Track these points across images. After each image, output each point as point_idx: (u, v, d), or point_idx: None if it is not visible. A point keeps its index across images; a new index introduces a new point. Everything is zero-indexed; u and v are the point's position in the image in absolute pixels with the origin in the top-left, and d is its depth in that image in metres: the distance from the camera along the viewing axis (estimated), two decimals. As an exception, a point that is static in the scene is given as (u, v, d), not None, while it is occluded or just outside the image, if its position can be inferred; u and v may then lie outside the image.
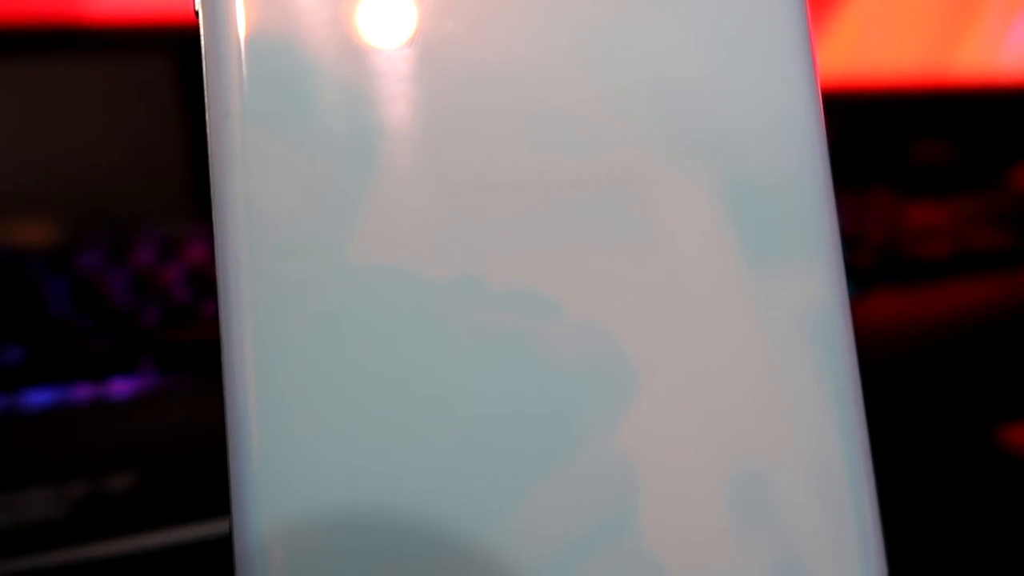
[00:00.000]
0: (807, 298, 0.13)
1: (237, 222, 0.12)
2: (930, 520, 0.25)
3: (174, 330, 0.27)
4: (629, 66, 0.13)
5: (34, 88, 0.42)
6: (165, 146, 0.44)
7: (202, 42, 0.12)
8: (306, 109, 0.12)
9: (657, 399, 0.13)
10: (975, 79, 0.61)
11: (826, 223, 0.14)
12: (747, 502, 0.13)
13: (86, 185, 0.42)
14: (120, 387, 0.25)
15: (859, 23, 0.59)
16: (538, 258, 0.13)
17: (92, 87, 0.43)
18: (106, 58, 0.43)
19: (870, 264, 0.37)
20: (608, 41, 0.13)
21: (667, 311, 0.13)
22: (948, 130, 0.62)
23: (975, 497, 0.26)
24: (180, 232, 0.35)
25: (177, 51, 0.44)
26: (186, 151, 0.45)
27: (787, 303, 0.13)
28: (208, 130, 0.12)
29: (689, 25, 0.14)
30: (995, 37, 0.61)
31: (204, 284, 0.30)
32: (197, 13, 0.13)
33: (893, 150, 0.60)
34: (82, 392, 0.25)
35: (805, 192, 0.14)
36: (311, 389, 0.12)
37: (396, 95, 0.13)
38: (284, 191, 0.12)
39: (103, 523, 0.21)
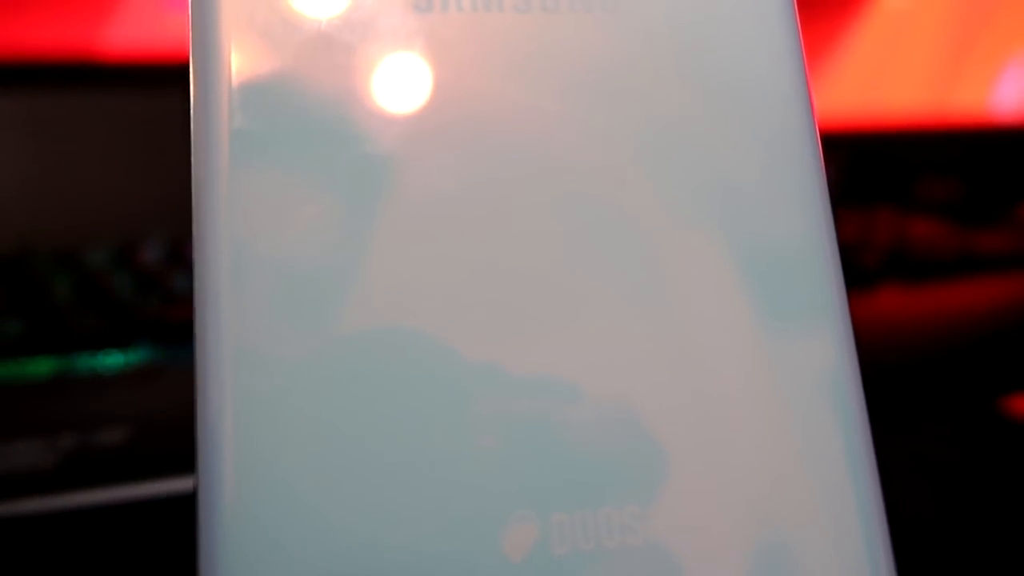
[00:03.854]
0: (824, 361, 0.13)
1: (219, 269, 0.12)
2: (937, 491, 0.24)
3: (170, 310, 0.28)
4: (637, 136, 0.13)
5: (50, 120, 0.44)
6: (175, 176, 0.45)
7: (191, 90, 0.12)
8: (294, 157, 0.12)
9: (685, 480, 0.12)
10: (978, 118, 0.62)
11: (834, 283, 0.14)
12: (771, 573, 0.12)
13: (97, 209, 0.43)
14: (115, 359, 0.25)
15: (860, 66, 0.60)
16: (554, 337, 0.12)
17: (106, 121, 0.45)
18: (121, 93, 0.45)
19: (876, 263, 0.37)
20: (618, 109, 0.13)
21: (689, 383, 0.13)
22: (954, 168, 0.62)
23: (982, 466, 0.26)
24: (185, 240, 0.36)
25: (187, 87, 0.46)
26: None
27: (806, 367, 0.13)
28: (193, 175, 0.12)
29: (698, 89, 0.14)
30: (990, 79, 0.62)
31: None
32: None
33: (899, 188, 0.61)
34: (79, 362, 0.25)
35: (813, 253, 0.14)
36: (290, 449, 0.11)
37: (398, 148, 0.12)
38: (270, 242, 0.12)
39: (92, 474, 0.21)
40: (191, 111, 0.12)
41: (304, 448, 0.11)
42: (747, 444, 0.13)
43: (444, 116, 0.13)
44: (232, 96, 0.12)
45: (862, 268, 0.37)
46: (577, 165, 0.13)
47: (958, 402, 0.29)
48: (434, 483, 0.11)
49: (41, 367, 0.25)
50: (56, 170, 0.44)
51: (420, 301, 0.12)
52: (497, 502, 0.12)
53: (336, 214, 0.12)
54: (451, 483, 0.12)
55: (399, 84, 0.13)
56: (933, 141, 0.62)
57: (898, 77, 0.61)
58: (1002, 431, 0.27)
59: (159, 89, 0.46)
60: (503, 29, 0.13)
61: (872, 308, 0.35)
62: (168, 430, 0.22)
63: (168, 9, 0.45)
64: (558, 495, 0.12)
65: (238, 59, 0.12)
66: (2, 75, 0.42)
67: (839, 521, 0.13)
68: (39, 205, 0.43)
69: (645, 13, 0.14)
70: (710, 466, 0.12)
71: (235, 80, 0.12)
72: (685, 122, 0.13)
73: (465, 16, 0.13)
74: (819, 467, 0.13)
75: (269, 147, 0.12)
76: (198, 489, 0.11)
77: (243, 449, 0.11)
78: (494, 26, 0.13)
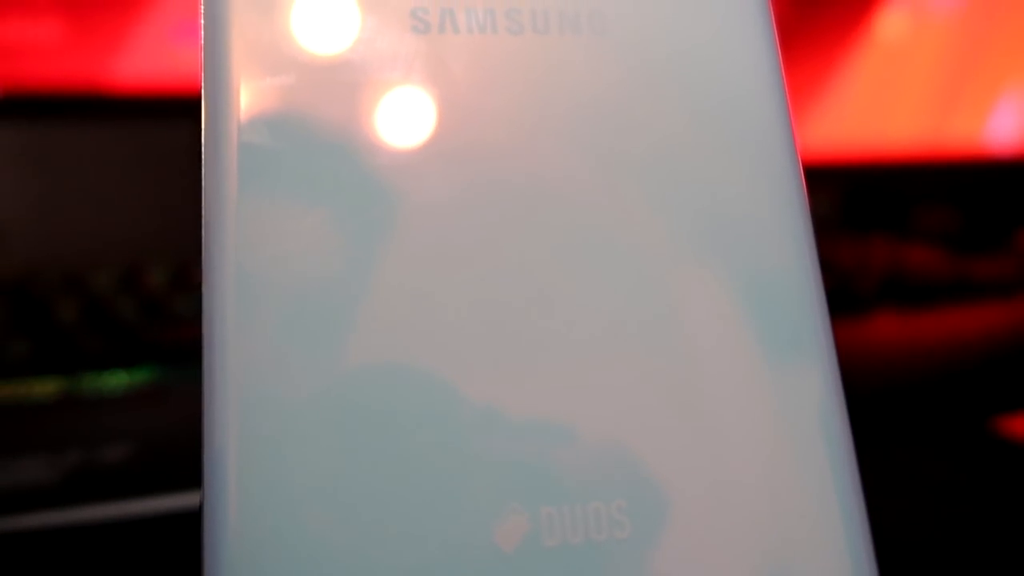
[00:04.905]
0: (812, 391, 0.13)
1: (227, 299, 0.12)
2: (929, 509, 0.24)
3: (174, 331, 0.28)
4: (623, 166, 0.14)
5: (59, 150, 0.45)
6: (181, 203, 0.46)
7: (202, 119, 0.12)
8: (300, 187, 0.12)
9: (687, 521, 0.12)
10: (973, 150, 0.63)
11: (820, 314, 0.14)
12: None
13: (105, 237, 0.43)
14: (119, 380, 0.26)
15: (857, 98, 0.61)
16: (549, 378, 0.12)
17: (114, 150, 0.46)
18: (129, 124, 0.46)
19: (871, 289, 0.37)
20: (606, 135, 0.14)
21: (687, 417, 0.13)
22: (950, 198, 0.63)
23: (975, 486, 0.26)
24: (190, 266, 0.36)
25: (197, 118, 0.47)
26: (200, 207, 0.46)
27: (795, 398, 0.13)
28: (203, 207, 0.12)
29: (683, 116, 0.14)
30: (985, 111, 0.63)
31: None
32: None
33: (896, 217, 0.61)
34: (84, 382, 0.25)
35: (799, 284, 0.14)
36: (293, 480, 0.11)
37: (400, 177, 0.13)
38: (277, 274, 0.12)
39: (95, 490, 0.21)
40: (202, 140, 0.12)
41: (305, 475, 0.11)
42: (748, 478, 0.13)
43: (444, 142, 0.13)
44: (240, 126, 0.12)
45: (857, 294, 0.37)
46: (571, 196, 0.13)
47: (951, 423, 0.29)
48: (427, 508, 0.12)
49: (47, 387, 0.25)
50: (64, 197, 0.44)
51: (420, 336, 0.12)
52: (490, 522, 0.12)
53: (339, 244, 0.12)
54: (445, 512, 0.12)
55: (400, 110, 0.13)
56: (929, 172, 0.62)
57: (894, 109, 0.62)
58: (995, 451, 0.27)
59: (166, 120, 0.46)
60: (498, 51, 0.13)
61: (867, 333, 0.35)
62: (171, 448, 0.23)
63: (175, 42, 0.46)
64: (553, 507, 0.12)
65: (246, 89, 0.12)
66: (11, 106, 0.42)
67: (827, 544, 0.13)
68: (47, 231, 0.43)
69: (633, 38, 0.14)
70: (706, 500, 0.13)
71: (243, 111, 0.12)
72: (671, 150, 0.14)
73: (461, 38, 0.13)
74: (814, 496, 0.13)
75: (276, 177, 0.12)
76: (203, 508, 0.11)
77: (247, 475, 0.11)
78: (489, 48, 0.13)
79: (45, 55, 0.44)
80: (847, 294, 0.37)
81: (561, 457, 0.12)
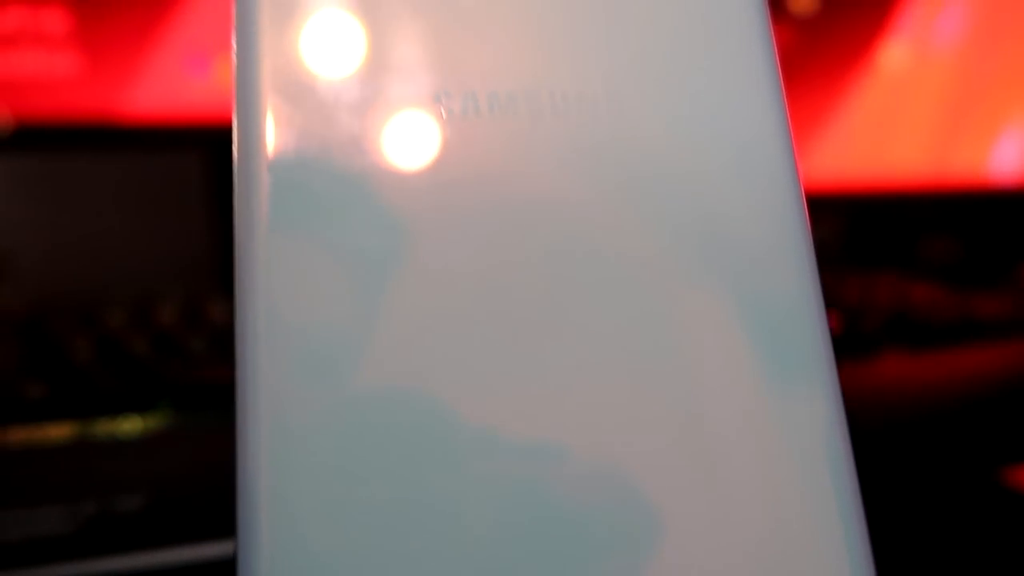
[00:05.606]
0: (816, 418, 0.14)
1: (257, 334, 0.12)
2: (936, 557, 0.25)
3: (189, 373, 0.28)
4: (638, 191, 0.14)
5: (72, 182, 0.45)
6: (193, 233, 0.46)
7: (234, 159, 0.13)
8: (330, 226, 0.13)
9: (680, 541, 0.13)
10: (977, 180, 0.63)
11: (823, 338, 0.14)
12: None
13: (117, 268, 0.44)
14: (134, 424, 0.26)
15: (861, 129, 0.62)
16: (549, 398, 0.13)
17: (127, 179, 0.46)
18: (141, 154, 0.46)
19: (878, 328, 0.38)
20: (622, 167, 0.14)
21: (685, 441, 0.13)
22: (954, 229, 0.63)
23: (981, 535, 0.26)
24: (202, 299, 0.37)
25: (208, 149, 0.47)
26: (214, 243, 0.47)
27: (799, 425, 0.14)
28: (235, 240, 0.13)
29: (698, 149, 0.14)
30: (989, 142, 0.63)
31: (223, 342, 0.32)
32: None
33: (901, 248, 0.62)
34: (99, 427, 0.26)
35: (803, 312, 0.14)
36: (323, 514, 0.12)
37: (416, 224, 0.13)
38: (306, 307, 0.13)
39: (112, 540, 0.21)
40: (234, 184, 0.13)
41: (330, 513, 0.12)
42: (746, 500, 0.13)
43: (457, 195, 0.13)
44: (270, 165, 0.13)
45: (863, 334, 0.37)
46: (573, 232, 0.14)
47: (959, 471, 0.29)
48: (444, 542, 0.12)
49: (61, 431, 0.25)
50: (76, 228, 0.45)
51: (434, 371, 0.13)
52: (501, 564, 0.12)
53: (357, 285, 0.13)
54: (459, 549, 0.12)
55: (420, 164, 0.14)
56: (933, 202, 0.63)
57: (898, 139, 0.63)
58: (1003, 502, 0.27)
59: (179, 151, 0.47)
60: (516, 133, 0.14)
61: (873, 374, 0.35)
62: (186, 496, 0.23)
63: (188, 71, 0.46)
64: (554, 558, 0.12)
65: (276, 136, 0.13)
66: (24, 137, 0.43)
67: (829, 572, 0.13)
68: (58, 262, 0.43)
69: (643, 101, 0.15)
70: (704, 527, 0.13)
71: (272, 159, 0.13)
72: (674, 178, 0.14)
73: (483, 120, 0.14)
74: (816, 522, 0.13)
75: (302, 222, 0.13)
76: (237, 554, 0.12)
77: (278, 515, 0.12)
78: (508, 129, 0.14)
79: (58, 86, 0.44)
80: (853, 333, 0.37)
81: (560, 479, 0.12)
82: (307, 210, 0.13)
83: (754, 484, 0.13)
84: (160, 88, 0.46)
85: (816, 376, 0.14)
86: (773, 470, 0.13)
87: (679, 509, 0.13)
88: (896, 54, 0.62)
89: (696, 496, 0.13)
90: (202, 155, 0.47)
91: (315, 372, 0.12)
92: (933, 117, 0.62)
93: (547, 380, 0.13)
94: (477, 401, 0.13)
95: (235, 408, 0.12)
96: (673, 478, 0.13)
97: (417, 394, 0.13)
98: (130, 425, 0.26)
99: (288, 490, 0.12)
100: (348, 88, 0.14)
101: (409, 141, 0.14)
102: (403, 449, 0.12)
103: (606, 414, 0.13)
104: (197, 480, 0.23)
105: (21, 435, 0.25)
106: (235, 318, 0.12)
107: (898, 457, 0.29)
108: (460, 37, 0.14)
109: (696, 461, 0.13)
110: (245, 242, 0.13)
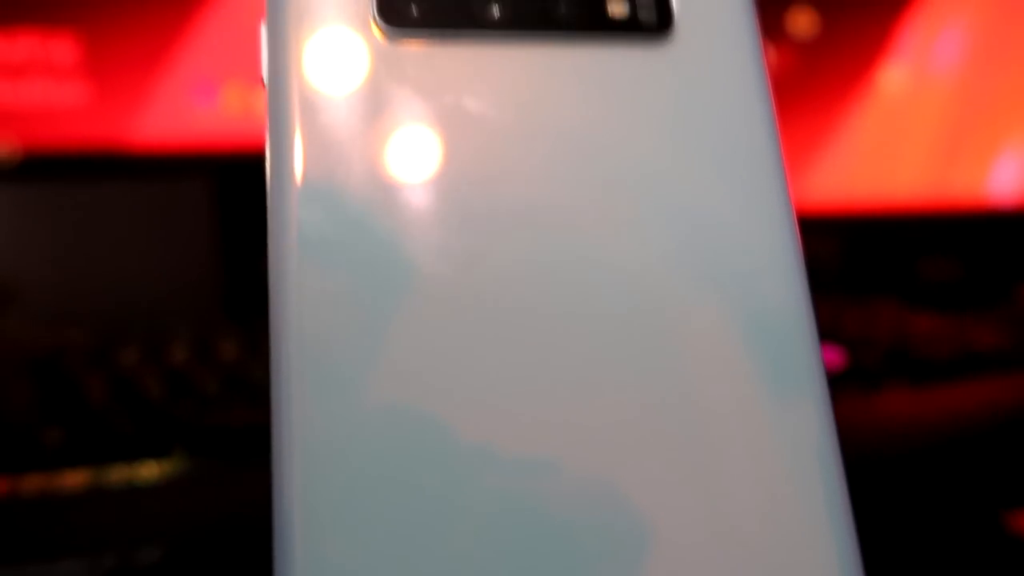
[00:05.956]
0: (811, 429, 0.14)
1: (290, 355, 0.13)
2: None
3: (203, 417, 0.28)
4: (629, 204, 0.15)
5: (78, 210, 0.45)
6: (200, 262, 0.47)
7: (267, 186, 0.14)
8: (357, 249, 0.14)
9: (671, 552, 0.13)
10: (976, 202, 0.63)
11: (815, 352, 0.14)
12: None
13: (125, 297, 0.44)
14: (151, 470, 0.26)
15: (860, 151, 0.62)
16: (543, 414, 0.14)
17: (134, 208, 0.46)
18: (148, 182, 0.46)
19: (878, 361, 0.38)
20: (630, 191, 0.15)
21: (675, 454, 0.14)
22: (953, 250, 0.63)
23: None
24: (212, 335, 0.37)
25: (213, 176, 0.48)
26: (219, 267, 0.47)
27: (795, 437, 0.14)
28: (269, 265, 0.14)
29: (693, 176, 0.15)
30: (987, 164, 0.64)
31: (234, 382, 0.32)
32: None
33: (901, 269, 0.62)
34: (116, 473, 0.26)
35: (795, 322, 0.15)
36: (351, 530, 0.13)
37: (431, 250, 0.14)
38: (333, 327, 0.13)
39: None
40: (268, 213, 0.14)
41: (347, 523, 0.13)
42: (738, 510, 0.13)
43: (463, 229, 0.14)
44: (300, 204, 0.14)
45: (864, 368, 0.38)
46: (567, 250, 0.14)
47: (960, 513, 0.29)
48: (439, 552, 0.13)
49: (78, 479, 0.26)
50: (82, 258, 0.45)
51: (434, 390, 0.13)
52: None
53: (370, 309, 0.14)
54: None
55: (434, 200, 0.14)
56: (932, 223, 0.63)
57: (896, 161, 0.63)
58: (1005, 546, 0.28)
59: (185, 177, 0.47)
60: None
61: (874, 409, 0.35)
62: (204, 546, 0.23)
63: (195, 98, 0.47)
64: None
65: (308, 168, 0.14)
66: (32, 167, 0.43)
67: None
68: (66, 292, 0.44)
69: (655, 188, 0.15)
70: (695, 539, 0.13)
71: (303, 194, 0.14)
72: (668, 197, 0.15)
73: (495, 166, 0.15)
74: (808, 533, 0.14)
75: (327, 254, 0.14)
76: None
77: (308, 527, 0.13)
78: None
79: (66, 116, 0.44)
80: (854, 368, 0.38)
81: (554, 493, 0.13)
82: (331, 244, 0.14)
83: (745, 494, 0.14)
84: (167, 115, 0.46)
85: (808, 388, 0.14)
86: (765, 481, 0.14)
87: (670, 521, 0.13)
88: (895, 76, 0.62)
89: (687, 508, 0.13)
90: (208, 181, 0.48)
91: (332, 388, 0.13)
92: (932, 139, 0.63)
93: (542, 397, 0.14)
94: (474, 418, 0.13)
95: (271, 420, 0.13)
96: (664, 490, 0.13)
97: (417, 411, 0.13)
98: (147, 471, 0.26)
99: (315, 501, 0.13)
100: (373, 126, 0.14)
101: (428, 180, 0.14)
102: (402, 462, 0.13)
103: (598, 429, 0.13)
104: (214, 528, 0.24)
105: (37, 483, 0.25)
106: (271, 335, 0.13)
107: (899, 496, 0.29)
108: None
109: (687, 473, 0.13)
110: (277, 268, 0.14)
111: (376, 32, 0.15)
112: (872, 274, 0.62)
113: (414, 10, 0.15)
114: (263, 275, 0.14)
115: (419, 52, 0.15)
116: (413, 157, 0.14)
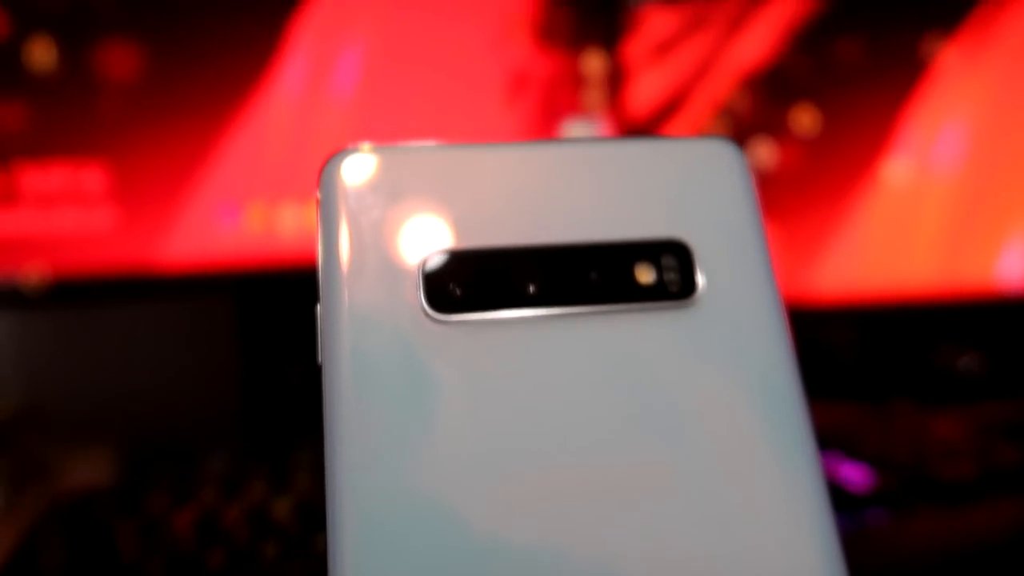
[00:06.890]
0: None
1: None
2: None
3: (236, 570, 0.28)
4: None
5: (106, 333, 0.46)
6: (221, 382, 0.47)
7: (325, 463, 0.16)
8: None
9: None
10: (987, 289, 0.64)
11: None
12: None
13: (148, 416, 0.44)
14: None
15: (866, 243, 0.63)
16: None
17: (160, 329, 0.47)
18: (174, 302, 0.47)
19: (903, 485, 0.38)
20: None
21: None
22: (967, 338, 0.64)
23: None
24: (238, 470, 0.37)
25: (238, 293, 0.48)
26: (239, 386, 0.47)
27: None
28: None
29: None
30: (992, 252, 0.65)
31: (262, 523, 0.32)
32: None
33: (917, 360, 0.62)
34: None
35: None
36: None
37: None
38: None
39: None
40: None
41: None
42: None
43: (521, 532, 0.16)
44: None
45: (887, 493, 0.38)
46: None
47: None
48: None
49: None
50: (106, 382, 0.45)
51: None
52: None
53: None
54: None
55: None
56: (943, 312, 0.64)
57: (904, 252, 0.64)
58: None
59: (210, 296, 0.48)
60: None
61: (898, 534, 0.35)
62: None
63: (219, 218, 0.47)
64: None
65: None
66: (61, 292, 0.44)
67: None
68: (91, 418, 0.44)
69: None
70: None
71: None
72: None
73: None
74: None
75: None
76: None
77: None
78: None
79: (95, 241, 0.45)
80: (877, 494, 0.38)
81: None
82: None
83: None
84: (193, 236, 0.47)
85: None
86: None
87: None
88: (898, 170, 0.63)
89: None
90: (231, 299, 0.48)
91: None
92: (937, 229, 0.64)
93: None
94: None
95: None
96: None
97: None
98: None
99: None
100: (425, 406, 0.16)
101: (476, 460, 0.16)
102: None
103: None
104: None
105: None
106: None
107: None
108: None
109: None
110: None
111: (425, 318, 0.16)
112: (888, 365, 0.62)
113: (459, 295, 0.16)
114: (284, 398, 0.16)
115: (466, 333, 0.16)
116: (461, 435, 0.16)
